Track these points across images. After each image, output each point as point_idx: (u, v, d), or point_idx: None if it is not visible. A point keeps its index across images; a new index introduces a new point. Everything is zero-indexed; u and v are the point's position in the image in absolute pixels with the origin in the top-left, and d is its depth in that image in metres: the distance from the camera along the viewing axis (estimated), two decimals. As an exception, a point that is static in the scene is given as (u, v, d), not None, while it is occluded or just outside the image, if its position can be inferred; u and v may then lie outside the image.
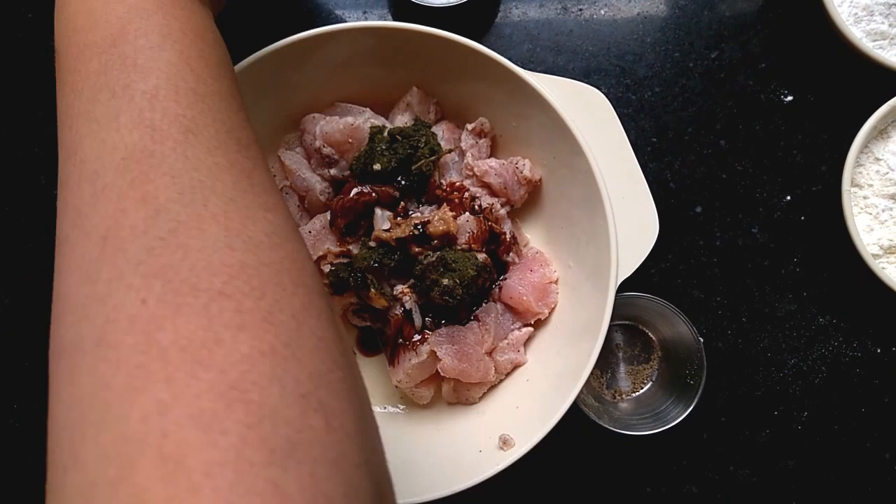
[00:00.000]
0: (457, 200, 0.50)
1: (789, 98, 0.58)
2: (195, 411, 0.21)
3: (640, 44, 0.59)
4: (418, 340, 0.48)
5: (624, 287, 0.47)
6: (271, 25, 0.59)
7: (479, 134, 0.52)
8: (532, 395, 0.49)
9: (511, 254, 0.51)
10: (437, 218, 0.48)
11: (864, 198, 0.53)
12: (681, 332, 0.52)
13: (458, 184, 0.50)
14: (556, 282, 0.51)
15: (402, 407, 0.52)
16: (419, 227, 0.48)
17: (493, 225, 0.50)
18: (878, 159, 0.54)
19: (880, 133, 0.54)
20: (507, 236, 0.51)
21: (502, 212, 0.51)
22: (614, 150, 0.49)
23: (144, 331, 0.23)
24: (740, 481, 0.55)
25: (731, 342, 0.56)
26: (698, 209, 0.57)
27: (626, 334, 0.57)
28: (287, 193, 0.52)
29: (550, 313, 0.51)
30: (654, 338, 0.57)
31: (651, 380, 0.56)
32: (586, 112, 0.48)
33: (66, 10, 0.31)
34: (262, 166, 0.31)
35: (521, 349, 0.51)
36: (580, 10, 0.59)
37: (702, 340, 0.51)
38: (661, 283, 0.57)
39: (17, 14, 0.59)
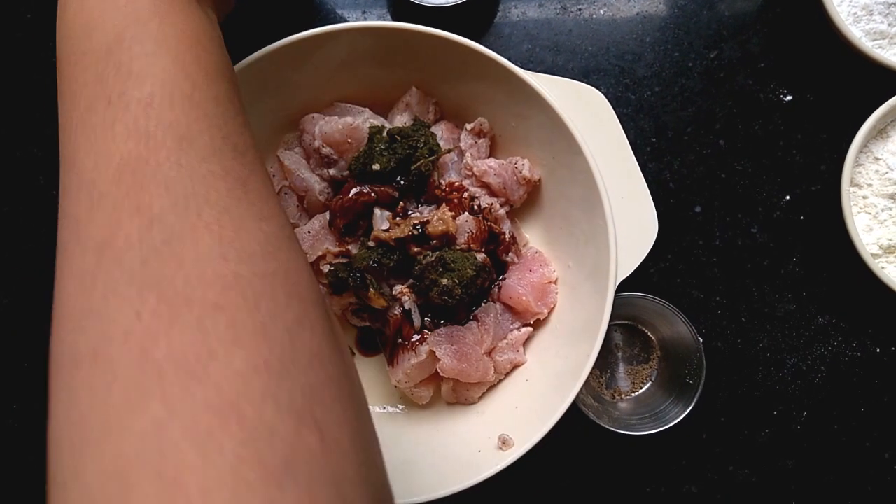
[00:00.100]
0: (456, 200, 0.50)
1: (789, 98, 0.58)
2: (191, 428, 0.21)
3: (639, 43, 0.58)
4: (417, 340, 0.48)
5: (623, 287, 0.47)
6: (271, 25, 0.59)
7: (479, 134, 0.52)
8: (531, 395, 0.49)
9: (510, 254, 0.51)
10: (436, 218, 0.48)
11: (864, 197, 0.53)
12: (680, 331, 0.52)
13: (457, 184, 0.50)
14: (555, 282, 0.51)
15: (401, 407, 0.52)
16: (418, 227, 0.48)
17: (493, 225, 0.50)
18: (877, 159, 0.54)
19: (880, 133, 0.54)
20: (507, 236, 0.51)
21: (501, 212, 0.51)
22: (613, 150, 0.49)
23: (139, 345, 0.23)
24: (740, 481, 0.55)
25: (730, 342, 0.56)
26: (697, 209, 0.57)
27: (626, 334, 0.57)
28: (286, 193, 0.52)
29: (550, 313, 0.51)
30: (653, 338, 0.57)
31: (650, 380, 0.56)
32: (585, 112, 0.48)
33: (65, 17, 0.32)
34: (259, 172, 0.31)
35: (521, 349, 0.51)
36: (579, 9, 0.59)
37: (701, 340, 0.51)
38: (660, 282, 0.57)
39: (17, 14, 0.59)
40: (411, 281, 0.49)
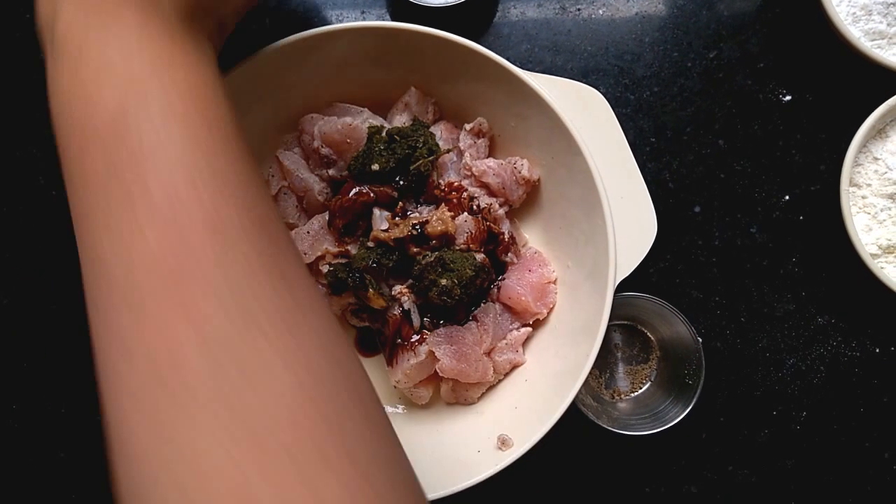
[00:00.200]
0: (455, 200, 0.50)
1: (788, 98, 0.58)
2: None
3: (638, 43, 0.59)
4: (417, 341, 0.48)
5: (622, 287, 0.47)
6: (270, 25, 0.59)
7: (478, 134, 0.52)
8: (531, 395, 0.49)
9: (509, 254, 0.51)
10: (435, 218, 0.48)
11: (863, 197, 0.53)
12: (679, 331, 0.52)
13: (456, 184, 0.50)
14: (554, 282, 0.51)
15: (400, 407, 0.52)
16: (417, 227, 0.48)
17: (492, 225, 0.50)
18: (876, 159, 0.54)
19: (879, 132, 0.54)
20: (506, 236, 0.51)
21: (501, 212, 0.51)
22: (613, 150, 0.49)
23: (239, 494, 0.22)
24: (739, 481, 0.55)
25: (729, 342, 0.56)
26: (697, 209, 0.57)
27: (625, 334, 0.57)
28: (285, 194, 0.52)
29: (549, 313, 0.51)
30: (652, 338, 0.57)
31: (650, 380, 0.56)
32: (585, 112, 0.48)
33: (58, 90, 0.29)
34: (291, 251, 0.29)
35: (520, 349, 0.51)
36: (578, 9, 0.59)
37: (700, 340, 0.51)
38: (659, 283, 0.57)
39: (16, 14, 0.59)
40: (410, 281, 0.49)
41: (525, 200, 0.53)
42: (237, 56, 0.46)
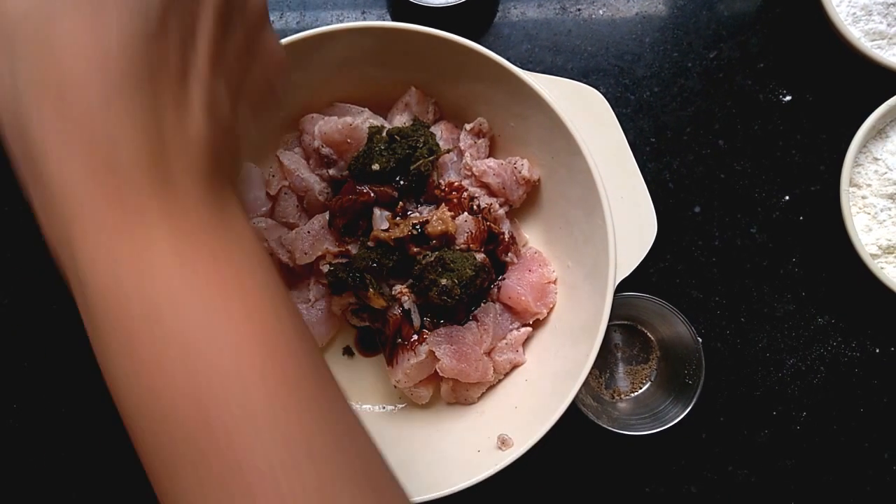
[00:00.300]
0: (455, 200, 0.50)
1: (788, 98, 0.58)
2: None
3: (638, 44, 0.59)
4: (417, 340, 0.48)
5: (622, 287, 0.47)
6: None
7: (478, 134, 0.52)
8: (531, 395, 0.49)
9: (509, 254, 0.51)
10: (435, 218, 0.48)
11: (863, 198, 0.53)
12: (679, 332, 0.52)
13: (456, 184, 0.50)
14: (554, 282, 0.51)
15: (400, 407, 0.52)
16: (418, 227, 0.48)
17: (492, 225, 0.50)
18: (876, 159, 0.54)
19: (879, 133, 0.54)
20: (506, 236, 0.51)
21: (501, 212, 0.51)
22: (613, 150, 0.49)
23: None
24: (739, 481, 0.55)
25: (729, 342, 0.56)
26: (697, 209, 0.57)
27: (625, 334, 0.57)
28: (286, 194, 0.52)
29: (549, 313, 0.51)
30: (652, 338, 0.57)
31: (650, 380, 0.56)
32: (585, 112, 0.49)
33: (112, 367, 0.24)
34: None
35: (520, 349, 0.51)
36: (579, 10, 0.59)
37: (700, 340, 0.51)
38: (659, 283, 0.57)
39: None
40: (411, 281, 0.49)
41: (525, 200, 0.53)
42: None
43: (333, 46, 0.48)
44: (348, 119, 0.50)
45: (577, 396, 0.45)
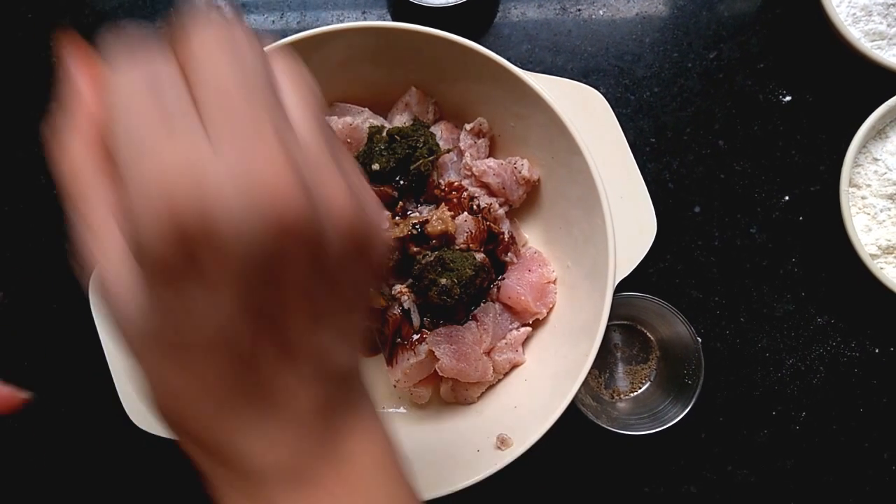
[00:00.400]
0: (455, 200, 0.50)
1: (788, 98, 0.58)
2: None
3: (638, 44, 0.59)
4: (416, 340, 0.48)
5: (622, 287, 0.47)
6: (271, 26, 0.59)
7: (478, 134, 0.52)
8: (530, 394, 0.49)
9: (509, 254, 0.51)
10: (435, 218, 0.48)
11: (863, 198, 0.54)
12: (679, 331, 0.52)
13: (456, 184, 0.51)
14: (554, 282, 0.51)
15: (400, 407, 0.52)
16: (417, 226, 0.48)
17: (492, 225, 0.50)
18: (876, 159, 0.54)
19: (878, 133, 0.54)
20: (506, 236, 0.51)
21: (500, 212, 0.51)
22: (612, 151, 0.49)
23: None
24: (738, 481, 0.55)
25: (729, 342, 0.56)
26: (697, 209, 0.57)
27: (625, 334, 0.57)
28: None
29: (549, 313, 0.51)
30: (652, 338, 0.57)
31: (649, 380, 0.56)
32: (585, 112, 0.49)
33: None
34: None
35: (520, 349, 0.51)
36: (579, 10, 0.59)
37: (700, 340, 0.51)
38: (659, 283, 0.57)
39: (17, 14, 0.60)
40: (410, 280, 0.49)
41: (525, 200, 0.53)
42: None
43: (334, 46, 0.48)
44: (348, 119, 0.50)
45: (576, 396, 0.45)
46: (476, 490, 0.44)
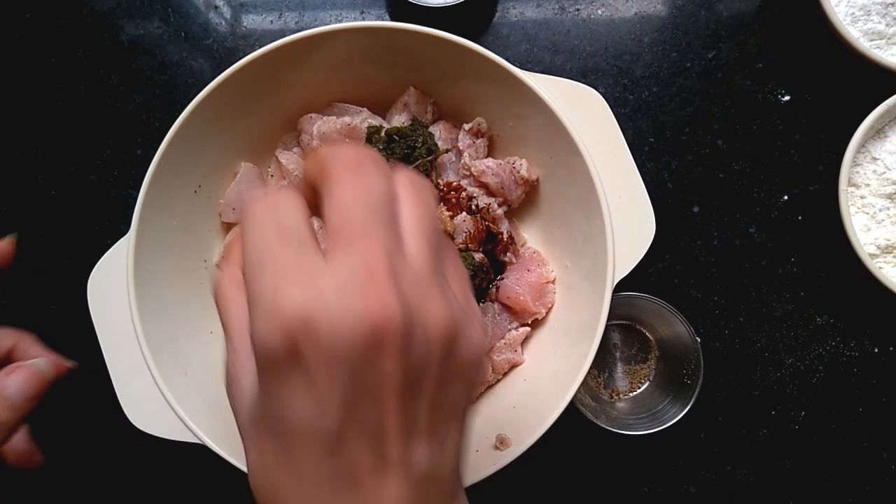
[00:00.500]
0: (454, 200, 0.50)
1: (786, 98, 0.58)
2: None
3: (637, 44, 0.59)
4: (415, 340, 0.48)
5: (621, 287, 0.47)
6: (270, 25, 0.59)
7: (477, 134, 0.52)
8: (529, 394, 0.49)
9: (508, 254, 0.51)
10: (434, 218, 0.48)
11: (862, 197, 0.54)
12: (678, 331, 0.52)
13: (455, 184, 0.51)
14: (553, 281, 0.51)
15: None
16: (416, 226, 0.48)
17: (490, 225, 0.50)
18: (875, 159, 0.54)
19: (877, 133, 0.54)
20: (505, 236, 0.51)
21: (499, 212, 0.51)
22: (611, 150, 0.49)
23: None
24: (738, 481, 0.55)
25: (728, 342, 0.56)
26: (695, 209, 0.57)
27: (624, 334, 0.57)
28: (285, 193, 0.52)
29: (547, 313, 0.51)
30: (651, 337, 0.57)
31: (648, 379, 0.56)
32: (584, 112, 0.48)
33: None
34: None
35: (519, 349, 0.51)
36: (577, 10, 0.59)
37: (699, 340, 0.51)
38: (658, 282, 0.57)
39: (16, 14, 0.60)
40: (409, 281, 0.49)
41: (524, 200, 0.53)
42: (237, 56, 0.46)
43: (332, 46, 0.48)
44: (347, 119, 0.50)
45: (575, 396, 0.45)
46: (475, 490, 0.44)
